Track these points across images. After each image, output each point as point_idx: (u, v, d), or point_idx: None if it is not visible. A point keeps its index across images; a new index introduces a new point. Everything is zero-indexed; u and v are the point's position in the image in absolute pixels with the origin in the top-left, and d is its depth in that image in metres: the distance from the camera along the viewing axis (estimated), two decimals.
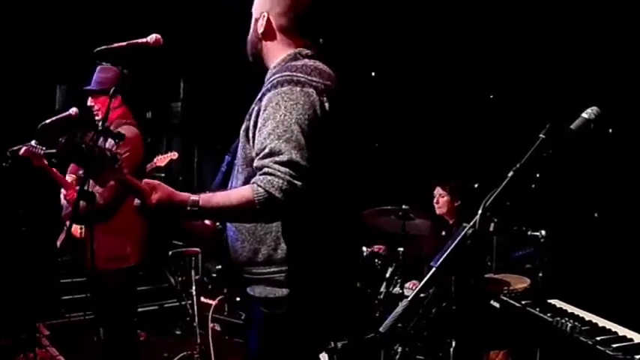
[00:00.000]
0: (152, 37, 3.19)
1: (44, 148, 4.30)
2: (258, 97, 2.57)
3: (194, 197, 2.37)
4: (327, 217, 2.60)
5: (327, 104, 2.49)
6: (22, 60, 6.82)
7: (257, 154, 2.42)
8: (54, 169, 4.33)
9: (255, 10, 2.75)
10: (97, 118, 4.41)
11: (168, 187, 2.40)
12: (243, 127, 2.60)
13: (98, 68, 4.43)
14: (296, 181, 2.31)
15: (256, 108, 2.53)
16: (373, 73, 7.02)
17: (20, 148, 4.38)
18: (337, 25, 6.41)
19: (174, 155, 5.58)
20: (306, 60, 2.62)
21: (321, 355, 4.58)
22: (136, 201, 2.41)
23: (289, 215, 2.46)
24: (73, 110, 4.46)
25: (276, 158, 2.34)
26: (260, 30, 2.71)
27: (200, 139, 9.23)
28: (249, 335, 2.79)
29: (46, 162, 4.30)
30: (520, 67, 5.61)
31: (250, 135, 2.54)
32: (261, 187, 2.30)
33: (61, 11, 6.88)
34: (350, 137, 2.70)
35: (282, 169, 2.31)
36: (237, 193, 2.40)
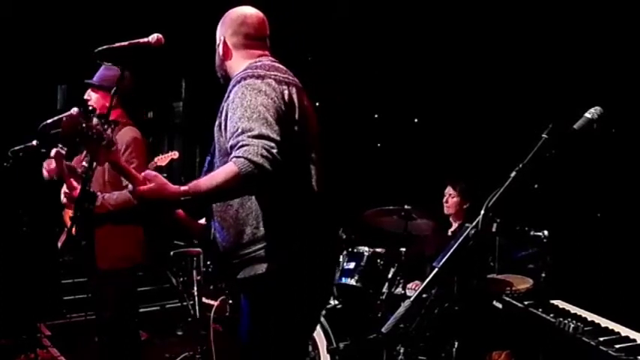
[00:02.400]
0: (154, 37, 3.19)
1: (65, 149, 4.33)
2: (225, 96, 2.78)
3: (183, 188, 2.54)
4: (299, 192, 2.78)
5: (286, 92, 2.75)
6: (23, 60, 6.83)
7: (230, 138, 2.61)
8: (66, 170, 4.35)
9: (218, 35, 3.06)
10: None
11: (162, 178, 2.57)
12: (216, 123, 2.81)
13: (103, 66, 4.44)
14: (271, 149, 2.50)
15: (225, 105, 2.74)
16: (374, 73, 7.01)
17: (22, 149, 4.39)
18: (339, 24, 6.43)
19: (174, 155, 5.57)
20: (263, 60, 2.90)
21: (322, 356, 4.58)
22: (129, 186, 2.63)
23: (265, 190, 2.65)
24: (75, 110, 4.44)
25: (249, 133, 2.54)
26: (220, 53, 3.04)
27: (201, 138, 9.22)
28: (240, 323, 2.92)
29: (65, 166, 4.32)
30: (523, 67, 5.60)
31: (223, 128, 2.74)
32: (240, 157, 2.48)
33: (62, 11, 6.88)
34: (312, 125, 2.90)
35: (256, 140, 2.51)
36: (220, 171, 2.57)
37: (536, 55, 5.50)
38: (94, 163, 3.86)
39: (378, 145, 7.08)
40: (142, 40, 3.18)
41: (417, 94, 6.68)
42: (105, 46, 3.20)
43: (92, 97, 4.42)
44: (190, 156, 9.17)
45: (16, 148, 4.46)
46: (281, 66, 2.90)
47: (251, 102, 2.61)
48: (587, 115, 2.19)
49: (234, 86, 2.74)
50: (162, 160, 5.32)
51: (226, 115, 2.69)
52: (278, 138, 2.55)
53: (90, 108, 4.44)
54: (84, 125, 2.43)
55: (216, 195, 2.64)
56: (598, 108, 2.20)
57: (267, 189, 2.62)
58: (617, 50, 4.88)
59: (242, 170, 2.44)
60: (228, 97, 2.74)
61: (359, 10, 6.51)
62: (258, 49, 2.99)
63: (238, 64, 2.96)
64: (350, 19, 6.54)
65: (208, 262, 2.98)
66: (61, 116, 4.50)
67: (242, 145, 2.50)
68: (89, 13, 6.89)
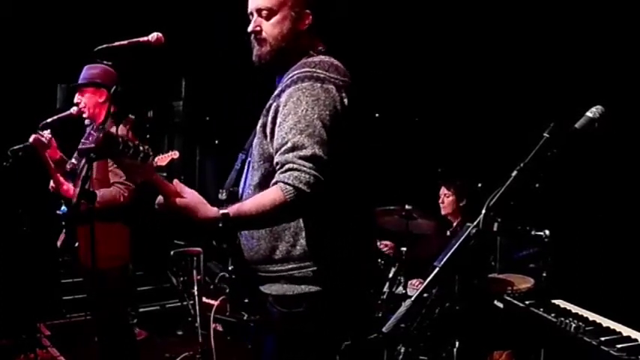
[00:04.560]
0: (153, 36, 3.17)
1: (50, 136, 4.31)
2: (276, 92, 2.56)
3: (223, 211, 2.33)
4: (346, 211, 2.58)
5: (345, 100, 2.49)
6: (22, 59, 6.82)
7: (277, 150, 2.41)
8: (51, 163, 4.35)
9: (287, 4, 2.62)
10: (84, 115, 4.42)
11: (199, 196, 2.38)
12: (260, 123, 2.59)
13: (85, 67, 4.44)
14: (321, 176, 2.31)
15: (274, 104, 2.52)
16: (375, 72, 6.99)
17: (21, 148, 4.38)
18: (339, 23, 6.40)
19: (175, 154, 5.56)
20: (322, 56, 2.62)
21: None
22: (159, 199, 2.37)
23: (310, 211, 2.44)
24: (74, 109, 4.45)
25: (300, 153, 2.33)
26: (304, 28, 2.65)
27: (201, 138, 9.22)
28: (264, 338, 2.77)
29: (47, 154, 4.32)
30: (524, 66, 5.59)
31: (268, 131, 2.53)
32: (289, 184, 2.29)
33: (62, 10, 6.88)
34: (364, 132, 2.69)
35: (307, 164, 2.31)
36: (266, 197, 2.35)
37: (537, 53, 5.49)
38: (93, 162, 3.85)
39: (379, 144, 7.05)
40: (141, 39, 3.15)
41: (417, 93, 6.67)
42: (104, 45, 3.18)
43: (82, 99, 4.42)
44: (190, 155, 9.15)
45: (15, 147, 4.45)
46: (339, 64, 2.61)
47: (307, 112, 2.38)
48: (589, 114, 2.17)
49: (288, 86, 2.47)
50: (163, 159, 5.31)
51: (274, 117, 2.49)
52: (329, 158, 2.34)
53: (84, 115, 4.43)
54: (120, 141, 2.25)
55: (259, 222, 2.45)
56: (599, 107, 2.18)
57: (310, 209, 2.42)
58: (618, 49, 4.87)
59: (290, 200, 2.28)
60: (279, 96, 2.50)
61: (357, 9, 6.49)
62: (316, 31, 2.70)
63: (304, 47, 2.65)
64: (348, 18, 6.52)
65: (230, 268, 2.79)
66: (60, 115, 4.50)
67: (291, 169, 2.31)
68: (89, 12, 6.89)
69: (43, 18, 6.87)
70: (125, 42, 3.15)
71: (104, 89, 4.40)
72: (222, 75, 7.92)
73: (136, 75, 4.42)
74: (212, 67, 8.09)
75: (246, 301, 2.78)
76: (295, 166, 2.31)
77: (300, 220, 2.51)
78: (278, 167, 2.38)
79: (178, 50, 6.86)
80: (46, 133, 4.32)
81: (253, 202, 2.38)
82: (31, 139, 4.28)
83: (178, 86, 9.24)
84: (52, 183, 4.42)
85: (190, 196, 2.35)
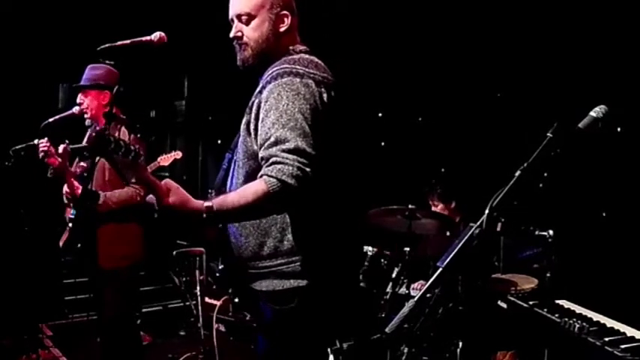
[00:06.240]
0: (156, 35, 3.16)
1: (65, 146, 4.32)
2: (258, 90, 2.60)
3: (207, 203, 2.38)
4: (332, 205, 2.62)
5: (325, 95, 2.54)
6: (24, 59, 6.82)
7: (261, 145, 2.44)
8: (69, 169, 4.36)
9: (264, 7, 2.69)
10: (86, 115, 4.43)
11: (184, 192, 2.41)
12: (244, 120, 2.63)
13: (88, 67, 4.45)
14: (305, 167, 2.33)
15: (256, 101, 2.56)
16: (376, 71, 6.99)
17: (23, 148, 4.39)
18: (339, 21, 6.40)
19: (178, 155, 5.58)
20: (302, 54, 2.67)
21: None
22: (150, 197, 2.43)
23: (296, 204, 2.47)
24: (76, 109, 4.46)
25: (283, 146, 2.36)
26: (283, 28, 2.71)
27: (204, 137, 9.22)
28: (258, 337, 2.81)
29: (50, 161, 4.32)
30: (528, 65, 5.57)
31: (252, 128, 2.56)
32: (272, 176, 2.32)
33: (64, 10, 6.88)
34: (349, 129, 2.73)
35: (290, 156, 2.34)
36: (249, 189, 2.39)
37: (541, 53, 5.48)
38: (96, 162, 3.87)
39: (382, 144, 7.05)
40: (144, 39, 3.15)
41: (420, 91, 6.65)
42: (107, 45, 3.17)
43: (85, 100, 4.42)
44: (193, 155, 9.15)
45: (17, 147, 4.46)
46: (319, 62, 2.67)
47: (288, 106, 2.42)
48: (593, 113, 2.17)
49: (268, 82, 2.52)
50: (166, 160, 5.32)
51: (257, 114, 2.53)
52: (313, 152, 2.37)
53: (87, 115, 4.45)
54: (112, 140, 2.31)
55: (242, 214, 2.48)
56: (603, 106, 2.18)
57: (298, 201, 2.43)
58: (622, 48, 4.86)
59: (273, 191, 2.30)
60: (261, 93, 2.55)
61: (358, 5, 6.48)
62: (297, 32, 2.77)
63: (285, 47, 2.70)
64: (349, 15, 6.51)
65: (221, 267, 2.83)
66: (62, 115, 4.51)
67: (275, 162, 2.34)
68: (91, 12, 6.89)
69: (44, 17, 6.87)
70: (128, 41, 3.14)
71: (107, 91, 4.41)
72: (224, 74, 7.90)
73: (139, 74, 4.41)
74: (214, 67, 8.08)
75: (236, 300, 2.82)
76: (279, 159, 2.35)
77: (287, 216, 2.55)
78: (263, 162, 2.42)
79: (181, 50, 6.86)
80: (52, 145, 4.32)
81: (237, 193, 2.44)
82: (60, 149, 4.26)
83: (181, 86, 9.25)
84: (65, 188, 4.42)
85: (176, 191, 2.39)
